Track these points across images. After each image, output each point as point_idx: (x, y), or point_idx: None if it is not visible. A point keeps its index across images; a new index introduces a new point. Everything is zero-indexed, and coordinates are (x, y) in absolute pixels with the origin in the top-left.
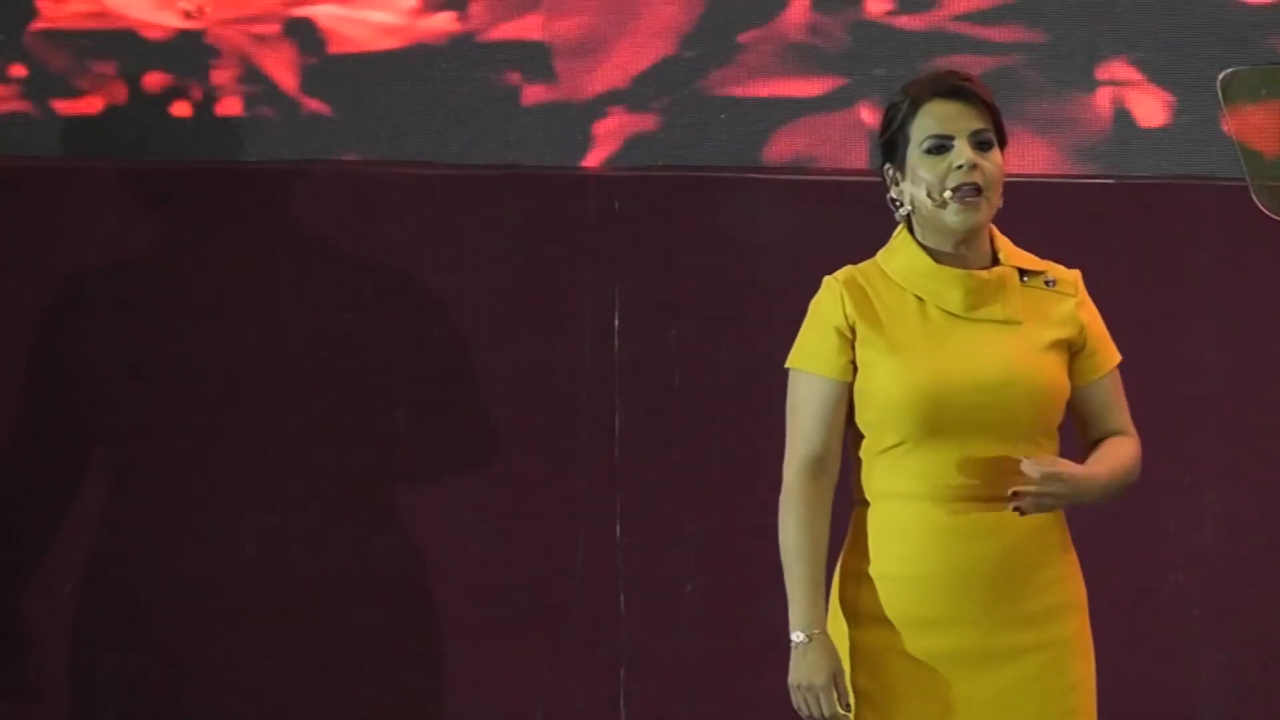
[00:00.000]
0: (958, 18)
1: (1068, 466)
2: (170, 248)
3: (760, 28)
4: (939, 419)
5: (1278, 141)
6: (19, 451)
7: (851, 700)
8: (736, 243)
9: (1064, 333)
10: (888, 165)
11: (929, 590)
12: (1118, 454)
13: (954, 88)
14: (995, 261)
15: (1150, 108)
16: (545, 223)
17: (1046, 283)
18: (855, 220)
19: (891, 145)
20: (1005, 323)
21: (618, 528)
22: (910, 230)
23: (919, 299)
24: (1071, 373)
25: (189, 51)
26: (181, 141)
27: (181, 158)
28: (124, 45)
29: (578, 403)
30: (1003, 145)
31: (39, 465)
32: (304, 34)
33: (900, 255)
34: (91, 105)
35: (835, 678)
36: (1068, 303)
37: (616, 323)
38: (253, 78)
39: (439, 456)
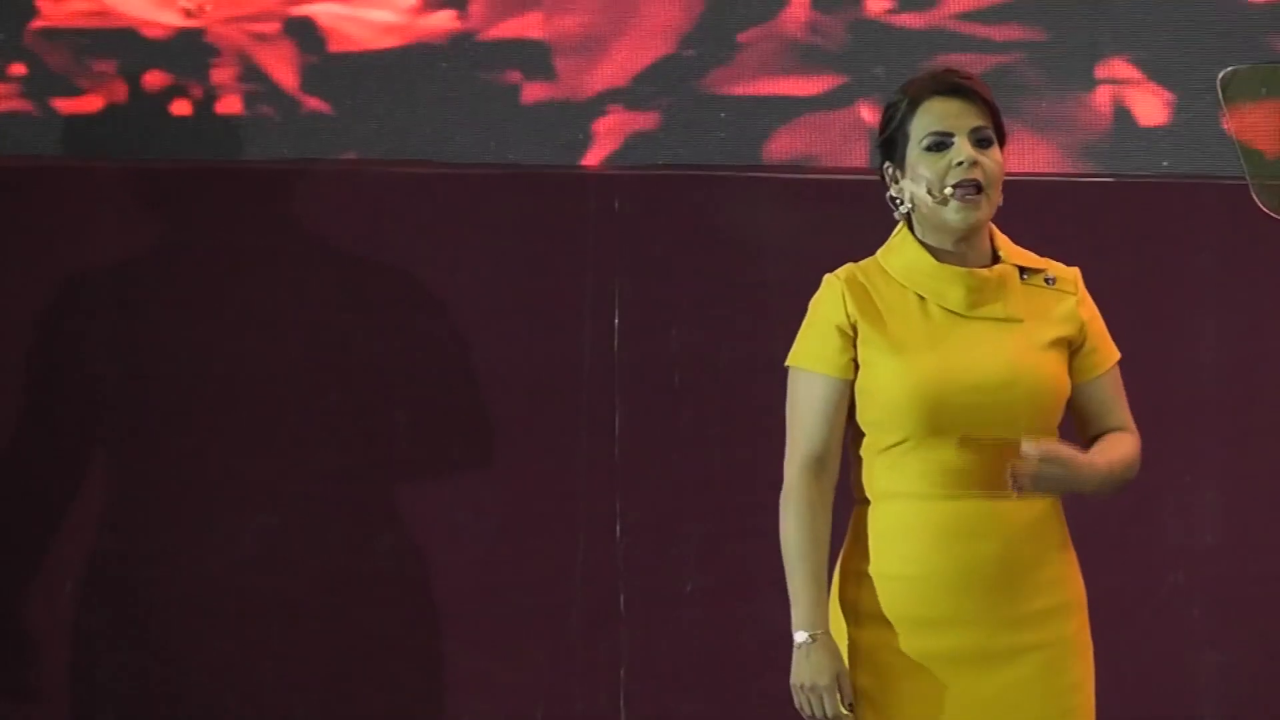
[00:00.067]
0: (957, 16)
1: (1067, 450)
2: (170, 247)
3: (760, 26)
4: (941, 417)
5: (1277, 140)
6: (19, 451)
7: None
8: (736, 242)
9: (1064, 331)
10: (887, 164)
11: (930, 590)
12: (1118, 447)
13: (953, 85)
14: (995, 259)
15: (1150, 106)
16: (545, 222)
17: (1046, 280)
18: (855, 219)
19: (891, 144)
20: (1006, 321)
21: (618, 528)
22: (910, 229)
23: (920, 297)
24: (1071, 370)
25: (189, 50)
26: (182, 140)
27: (181, 157)
28: (124, 44)
29: (578, 403)
30: (1002, 143)
31: (39, 465)
32: (304, 33)
33: (901, 254)
34: (92, 104)
35: (839, 678)
36: (1068, 301)
37: (616, 323)
38: (253, 77)
39: (439, 456)
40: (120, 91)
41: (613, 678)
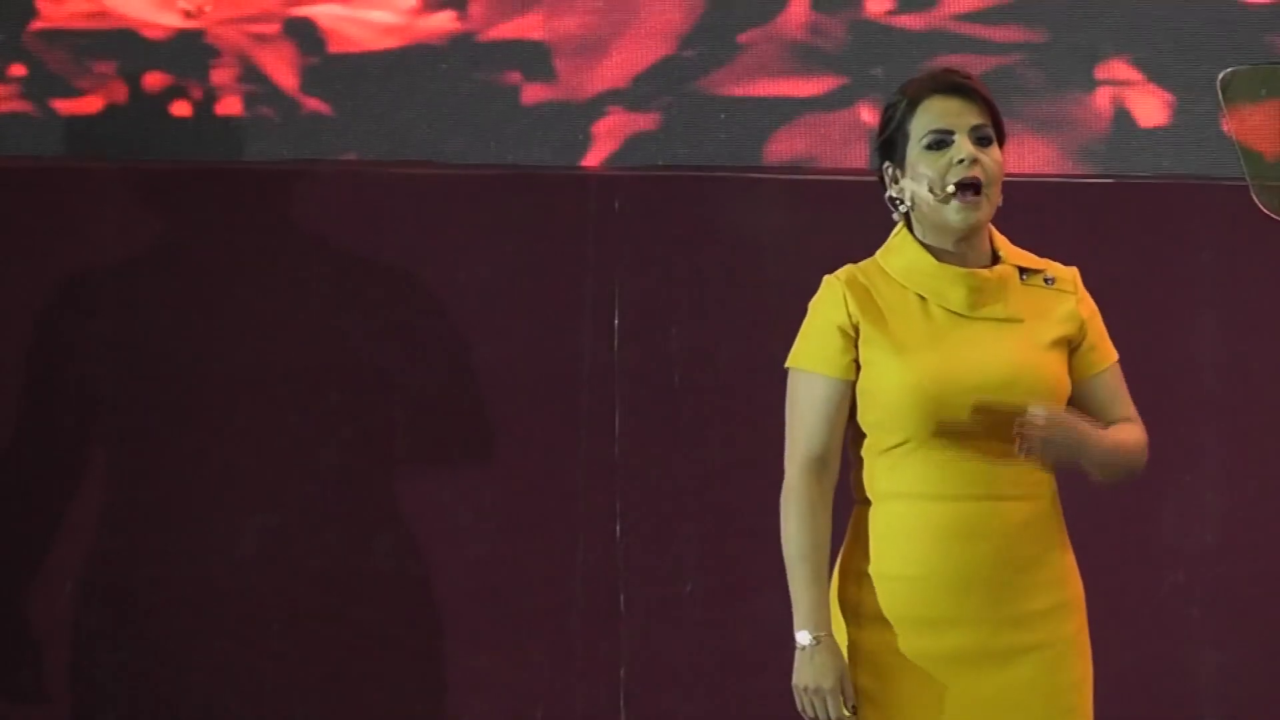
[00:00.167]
0: (958, 17)
1: (1075, 417)
2: (170, 248)
3: (760, 27)
4: (943, 418)
5: (1278, 141)
6: (19, 451)
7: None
8: (736, 242)
9: (1064, 330)
10: (887, 164)
11: (931, 590)
12: (1126, 432)
13: (953, 84)
14: (995, 260)
15: (1150, 107)
16: (545, 222)
17: (1046, 280)
18: (855, 220)
19: (890, 144)
20: (1007, 321)
21: (618, 528)
22: (909, 229)
23: (921, 298)
24: (1072, 368)
25: (189, 51)
26: (181, 141)
27: (181, 157)
28: (124, 45)
29: (578, 402)
30: (1001, 142)
31: (39, 465)
32: (304, 34)
33: (901, 254)
34: (91, 105)
35: (842, 680)
36: (1068, 300)
37: (616, 322)
38: (253, 77)
39: (439, 457)
40: (120, 92)
41: (613, 678)
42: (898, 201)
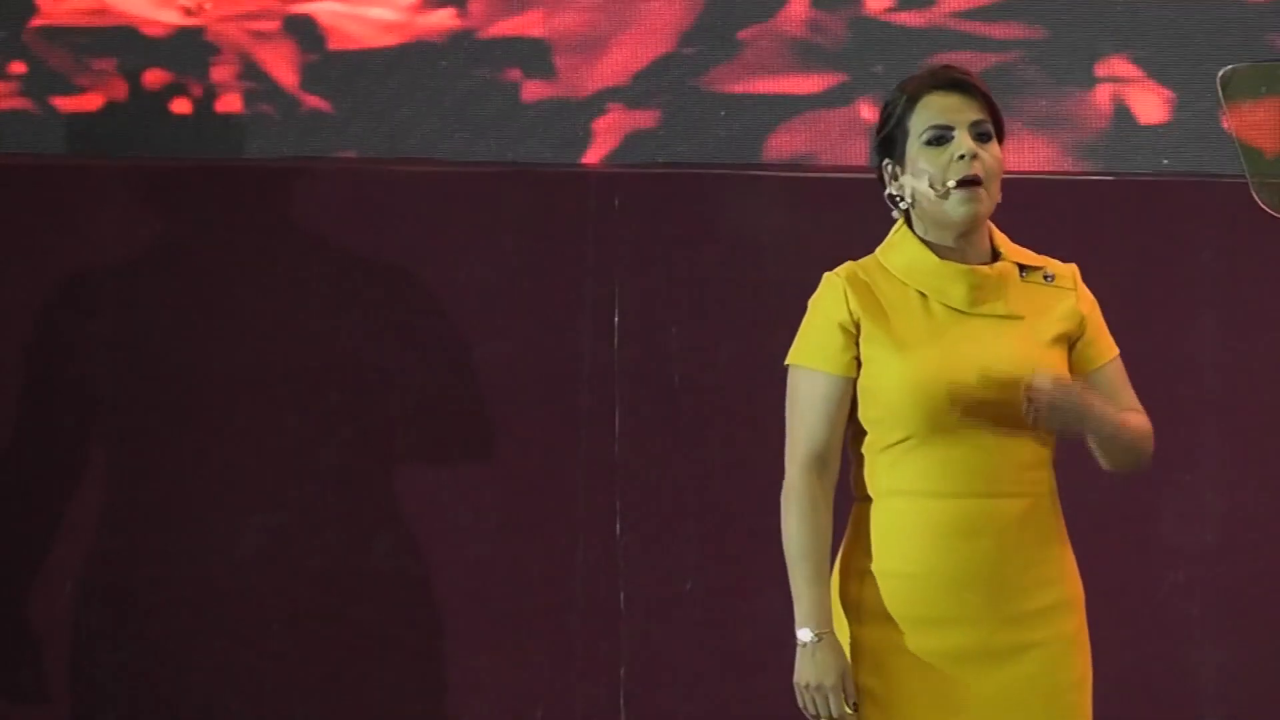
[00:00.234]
0: (957, 14)
1: (1081, 386)
2: (170, 246)
3: (760, 24)
4: (944, 415)
5: (1277, 139)
6: (19, 451)
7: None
8: (736, 240)
9: (1064, 327)
10: (886, 161)
11: (931, 588)
12: (1133, 417)
13: (952, 80)
14: (995, 257)
15: (1150, 105)
16: (545, 220)
17: (1045, 277)
18: (855, 217)
19: (890, 141)
20: (1008, 318)
21: (618, 528)
22: (909, 226)
23: (921, 295)
24: (1073, 363)
25: (189, 48)
26: (181, 139)
27: (181, 155)
28: (124, 42)
29: (578, 402)
30: (1001, 138)
31: (39, 465)
32: (304, 31)
33: (901, 251)
34: (91, 102)
35: (844, 677)
36: (1068, 297)
37: (616, 322)
38: (252, 74)
39: (439, 457)
40: (120, 90)
41: (613, 678)
42: (897, 199)
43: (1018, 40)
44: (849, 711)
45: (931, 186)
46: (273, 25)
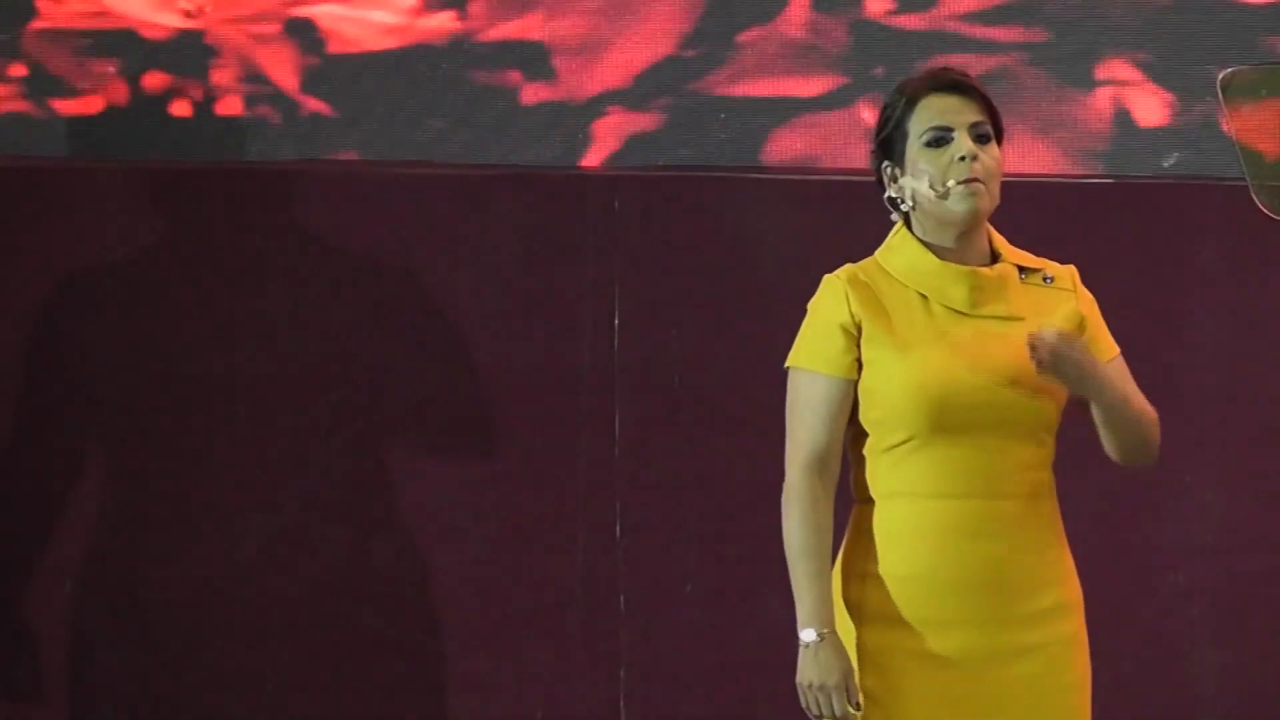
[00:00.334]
0: (958, 17)
1: (1086, 344)
2: (170, 248)
3: (760, 27)
4: (946, 416)
5: (1278, 141)
6: (19, 451)
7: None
8: (736, 242)
9: (1066, 328)
10: (886, 163)
11: (933, 590)
12: (1137, 397)
13: (951, 81)
14: (994, 259)
15: (1150, 107)
16: (545, 222)
17: (1045, 279)
18: (855, 220)
19: (889, 143)
20: (1009, 319)
21: (618, 528)
22: (909, 228)
23: (922, 296)
24: None
25: (189, 51)
26: (182, 141)
27: (181, 158)
28: (124, 45)
29: (578, 403)
30: (1000, 140)
31: (39, 465)
32: (304, 34)
33: (902, 253)
34: (92, 105)
35: (846, 678)
36: (1067, 299)
37: (616, 322)
38: (253, 77)
39: (439, 457)
40: (120, 92)
41: (613, 678)
42: (897, 200)
43: (1018, 43)
44: (852, 711)
45: (931, 187)
46: (273, 28)
